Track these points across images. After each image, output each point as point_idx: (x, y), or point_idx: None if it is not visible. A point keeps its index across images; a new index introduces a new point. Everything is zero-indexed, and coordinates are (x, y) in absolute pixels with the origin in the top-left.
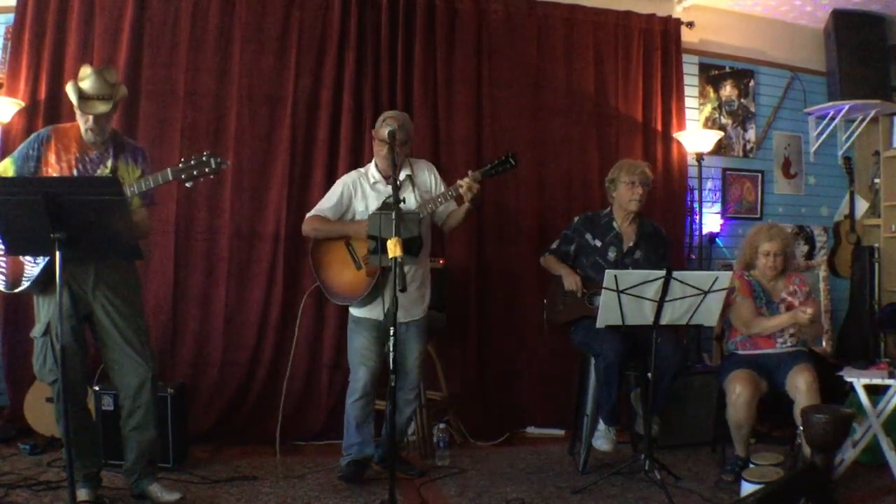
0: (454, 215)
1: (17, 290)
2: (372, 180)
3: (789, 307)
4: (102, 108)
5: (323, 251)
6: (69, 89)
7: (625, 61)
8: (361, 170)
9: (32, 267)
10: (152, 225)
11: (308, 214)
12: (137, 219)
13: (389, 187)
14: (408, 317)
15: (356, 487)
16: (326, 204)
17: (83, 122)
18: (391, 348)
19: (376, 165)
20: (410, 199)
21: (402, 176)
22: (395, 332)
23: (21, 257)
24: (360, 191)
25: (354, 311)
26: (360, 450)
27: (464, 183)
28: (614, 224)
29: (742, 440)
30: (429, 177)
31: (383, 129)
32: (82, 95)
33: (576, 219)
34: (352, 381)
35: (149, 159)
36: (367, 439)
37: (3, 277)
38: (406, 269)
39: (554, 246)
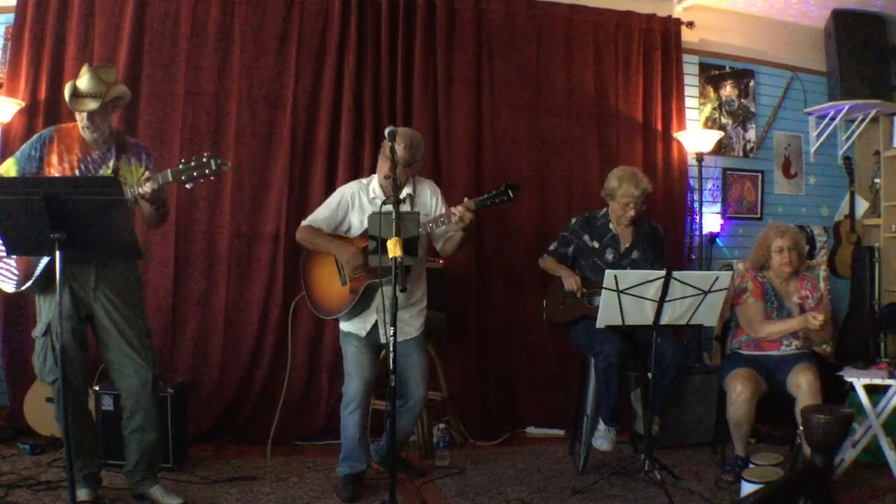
0: (451, 241)
1: (21, 289)
2: (371, 195)
3: (800, 311)
4: (91, 105)
5: (313, 262)
6: (66, 88)
7: (625, 61)
8: (364, 181)
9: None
10: (168, 210)
11: (303, 223)
12: (145, 210)
13: (388, 207)
14: (402, 335)
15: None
16: (321, 214)
17: (79, 121)
18: (391, 348)
19: (380, 183)
20: None
21: (402, 194)
22: (395, 333)
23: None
24: (357, 204)
25: (342, 325)
26: (356, 465)
27: (456, 212)
28: (611, 226)
29: (742, 439)
30: (431, 199)
31: (387, 145)
32: (75, 93)
33: (573, 220)
34: (345, 390)
35: (154, 157)
36: (362, 453)
37: (15, 277)
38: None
39: (552, 247)
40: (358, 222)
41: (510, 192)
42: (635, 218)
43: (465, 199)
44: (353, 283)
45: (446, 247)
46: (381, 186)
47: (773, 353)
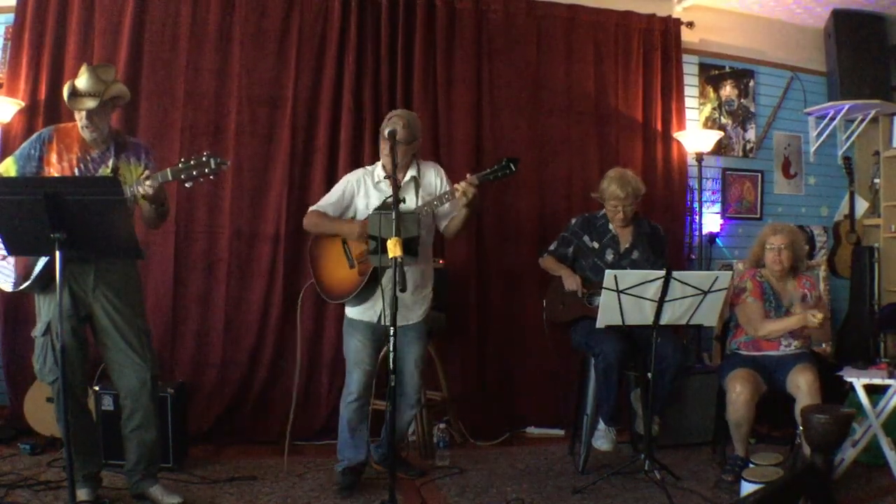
0: (455, 220)
1: (20, 288)
2: (376, 179)
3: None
4: (90, 104)
5: (320, 247)
6: (65, 87)
7: (625, 61)
8: (369, 168)
9: (39, 262)
10: (168, 210)
11: (310, 208)
12: (145, 210)
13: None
14: (404, 320)
15: (356, 494)
16: (328, 200)
17: (77, 120)
18: (391, 348)
19: (383, 164)
20: (411, 201)
21: (407, 177)
22: (394, 333)
23: None
24: (362, 188)
25: (348, 313)
26: (354, 456)
27: (459, 187)
28: (610, 226)
29: (742, 439)
30: (435, 179)
31: (387, 127)
32: (73, 92)
33: (572, 221)
34: (346, 382)
35: (153, 155)
36: (360, 445)
37: (12, 277)
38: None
39: (552, 247)
40: (363, 205)
41: (511, 165)
42: (627, 219)
43: (468, 175)
44: (361, 266)
45: (450, 226)
46: (384, 166)
47: (773, 353)
